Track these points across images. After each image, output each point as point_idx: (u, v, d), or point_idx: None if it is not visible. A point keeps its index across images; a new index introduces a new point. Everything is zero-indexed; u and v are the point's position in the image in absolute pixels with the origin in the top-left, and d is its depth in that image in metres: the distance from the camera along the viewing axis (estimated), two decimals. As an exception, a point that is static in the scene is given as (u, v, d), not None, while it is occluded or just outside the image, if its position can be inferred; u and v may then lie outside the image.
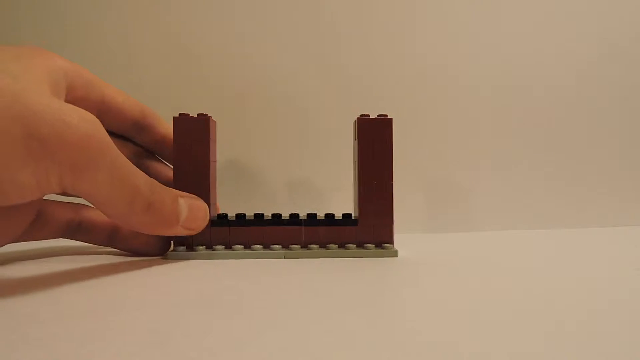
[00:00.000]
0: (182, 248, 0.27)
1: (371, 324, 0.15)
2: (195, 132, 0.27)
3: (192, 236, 0.27)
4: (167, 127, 0.30)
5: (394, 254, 0.28)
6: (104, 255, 0.28)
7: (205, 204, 0.26)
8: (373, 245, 0.28)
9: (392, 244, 0.28)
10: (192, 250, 0.27)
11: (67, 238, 0.28)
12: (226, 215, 0.28)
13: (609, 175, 0.40)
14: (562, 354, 0.12)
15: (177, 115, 0.28)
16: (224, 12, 0.38)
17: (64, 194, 0.26)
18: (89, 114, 0.20)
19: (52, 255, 0.28)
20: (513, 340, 0.13)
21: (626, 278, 0.22)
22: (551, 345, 0.13)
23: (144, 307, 0.17)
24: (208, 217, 0.26)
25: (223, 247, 0.28)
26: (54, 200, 0.27)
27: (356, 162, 0.29)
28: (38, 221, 0.26)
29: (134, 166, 0.22)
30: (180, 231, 0.25)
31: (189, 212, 0.25)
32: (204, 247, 0.27)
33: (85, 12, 0.38)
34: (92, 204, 0.21)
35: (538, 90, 0.40)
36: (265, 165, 0.39)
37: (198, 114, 0.28)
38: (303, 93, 0.39)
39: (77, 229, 0.28)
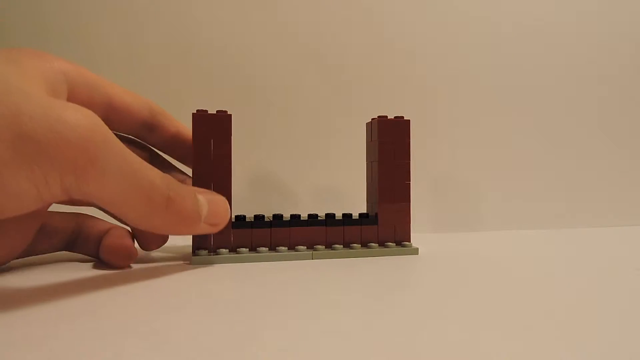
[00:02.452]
0: (204, 252, 0.25)
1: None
2: (215, 128, 0.26)
3: (213, 239, 0.26)
4: (177, 125, 0.28)
5: (415, 251, 0.28)
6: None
7: (225, 198, 0.25)
8: (394, 244, 0.28)
9: (410, 241, 0.29)
10: (215, 253, 0.25)
11: (70, 250, 0.26)
12: (244, 216, 0.27)
13: (609, 175, 0.43)
14: (561, 353, 0.13)
15: (195, 112, 0.26)
16: (230, 10, 0.37)
17: (73, 201, 0.23)
18: (87, 110, 0.18)
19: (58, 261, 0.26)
20: (517, 340, 0.14)
21: (626, 278, 0.22)
22: (550, 344, 0.13)
23: (151, 308, 0.17)
24: (229, 212, 0.25)
25: (247, 249, 0.26)
26: (57, 212, 0.25)
27: (373, 162, 0.30)
28: (42, 234, 0.24)
29: (145, 162, 0.20)
30: (203, 228, 0.23)
31: (209, 207, 0.23)
32: (227, 250, 0.26)
33: (87, 9, 0.35)
34: (106, 208, 0.19)
35: (540, 91, 0.42)
36: (270, 165, 0.37)
37: (217, 111, 0.26)
38: (310, 93, 0.38)
39: (76, 239, 0.26)
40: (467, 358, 0.13)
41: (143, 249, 0.26)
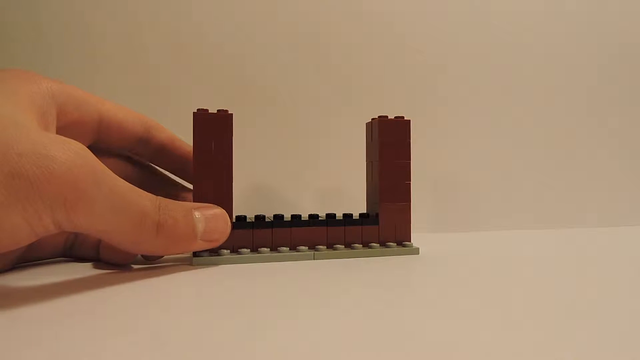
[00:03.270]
0: (205, 253, 0.25)
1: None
2: (216, 128, 0.26)
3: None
4: (169, 133, 0.28)
5: (416, 251, 0.28)
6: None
7: (224, 211, 0.24)
8: (395, 244, 0.28)
9: (410, 241, 0.29)
10: (217, 254, 0.25)
11: (66, 257, 0.26)
12: (245, 217, 0.27)
13: (609, 175, 0.43)
14: (562, 354, 0.13)
15: (196, 111, 0.26)
16: (230, 9, 0.37)
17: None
18: (75, 142, 0.18)
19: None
20: (517, 339, 0.14)
21: (626, 278, 0.22)
22: (550, 344, 0.13)
23: (149, 308, 0.17)
24: (230, 226, 0.25)
25: (248, 250, 0.26)
26: None
27: (373, 162, 0.30)
28: (35, 242, 0.24)
29: (136, 187, 0.20)
30: (201, 245, 0.23)
31: (206, 224, 0.23)
32: (228, 251, 0.26)
33: (87, 9, 0.35)
34: (98, 237, 0.19)
35: (541, 91, 0.42)
36: (271, 165, 0.37)
37: (218, 110, 0.26)
38: (308, 93, 0.38)
39: (72, 245, 0.26)
40: (467, 358, 0.12)
41: (145, 260, 0.26)
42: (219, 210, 0.24)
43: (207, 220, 0.23)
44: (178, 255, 0.28)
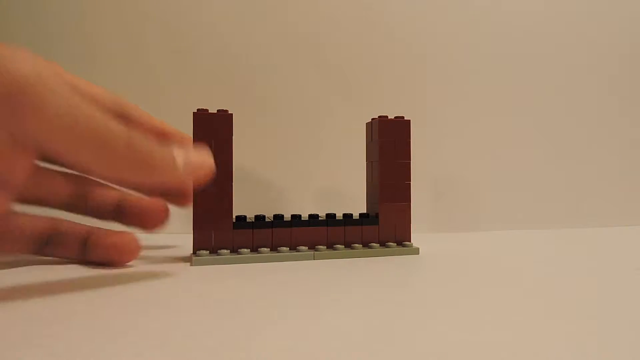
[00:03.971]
0: (205, 253, 0.25)
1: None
2: (216, 128, 0.26)
3: (214, 240, 0.26)
4: (148, 118, 0.27)
5: (416, 251, 0.28)
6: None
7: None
8: (395, 244, 0.28)
9: (410, 241, 0.29)
10: (216, 254, 0.25)
11: (37, 254, 0.24)
12: (245, 217, 0.27)
13: (609, 175, 0.43)
14: (562, 354, 0.13)
15: (196, 111, 0.26)
16: (230, 9, 0.37)
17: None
18: (24, 51, 0.17)
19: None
20: (517, 340, 0.14)
21: (626, 278, 0.22)
22: (550, 344, 0.13)
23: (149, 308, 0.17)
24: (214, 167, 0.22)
25: (248, 250, 0.26)
26: (27, 213, 0.23)
27: (373, 162, 0.30)
28: (7, 234, 0.22)
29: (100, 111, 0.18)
30: (185, 174, 0.20)
31: (187, 156, 0.20)
32: (228, 251, 0.26)
33: (87, 9, 0.35)
34: (66, 159, 0.18)
35: (541, 91, 0.42)
36: (271, 165, 0.37)
37: (218, 110, 0.26)
38: (308, 93, 0.38)
39: (48, 242, 0.24)
40: (467, 358, 0.13)
41: (143, 230, 0.25)
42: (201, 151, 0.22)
43: (188, 155, 0.21)
44: (177, 254, 0.28)
